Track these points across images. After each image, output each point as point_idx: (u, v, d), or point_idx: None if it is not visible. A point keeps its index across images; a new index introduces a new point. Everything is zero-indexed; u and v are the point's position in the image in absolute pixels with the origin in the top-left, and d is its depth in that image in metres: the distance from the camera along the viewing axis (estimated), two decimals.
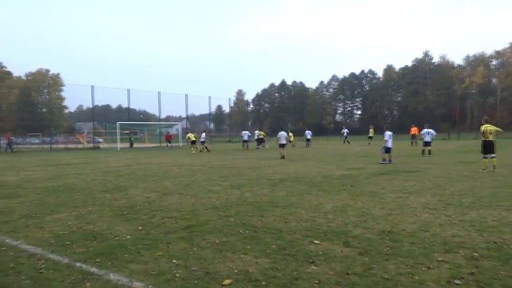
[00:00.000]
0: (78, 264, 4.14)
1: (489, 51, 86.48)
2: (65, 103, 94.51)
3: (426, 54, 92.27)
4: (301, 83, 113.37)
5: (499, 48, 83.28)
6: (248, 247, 4.59)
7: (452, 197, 7.67)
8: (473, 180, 10.00)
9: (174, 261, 4.17)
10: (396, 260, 4.06)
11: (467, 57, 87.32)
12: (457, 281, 3.48)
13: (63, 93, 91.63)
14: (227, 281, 3.57)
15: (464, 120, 78.34)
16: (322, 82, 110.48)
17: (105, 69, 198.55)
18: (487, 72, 79.07)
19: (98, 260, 4.24)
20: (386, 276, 3.61)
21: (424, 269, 3.80)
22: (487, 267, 3.82)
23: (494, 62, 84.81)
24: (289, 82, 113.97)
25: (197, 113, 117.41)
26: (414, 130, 31.24)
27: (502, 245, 4.51)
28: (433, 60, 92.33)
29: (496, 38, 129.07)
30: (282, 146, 19.81)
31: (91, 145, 43.82)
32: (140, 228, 5.63)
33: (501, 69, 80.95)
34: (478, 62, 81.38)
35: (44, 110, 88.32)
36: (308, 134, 34.67)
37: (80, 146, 45.03)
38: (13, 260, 4.30)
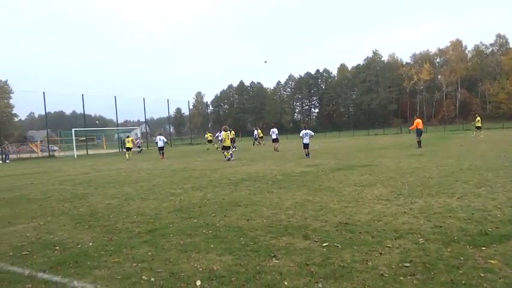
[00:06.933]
0: (40, 274, 4.10)
1: (433, 49, 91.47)
2: (15, 111, 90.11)
3: (376, 53, 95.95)
4: (259, 83, 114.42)
5: (442, 46, 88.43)
6: (212, 246, 4.72)
7: (404, 187, 8.17)
8: (423, 170, 10.64)
9: (139, 264, 4.22)
10: (352, 248, 4.34)
11: (414, 55, 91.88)
12: (406, 264, 3.79)
13: (12, 101, 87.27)
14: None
15: (414, 115, 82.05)
16: (279, 82, 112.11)
17: (56, 74, 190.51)
18: (432, 69, 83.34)
19: (60, 269, 4.22)
20: (342, 264, 3.86)
21: (377, 255, 4.10)
22: (432, 249, 4.18)
23: (438, 60, 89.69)
24: (247, 83, 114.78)
25: (156, 116, 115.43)
26: None
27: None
28: (383, 59, 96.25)
29: (439, 36, 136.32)
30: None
31: (46, 154, 41.98)
32: (102, 234, 5.60)
33: (445, 66, 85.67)
34: (424, 59, 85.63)
35: None
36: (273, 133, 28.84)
37: (34, 155, 43.04)
38: None
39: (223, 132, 19.94)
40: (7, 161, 33.38)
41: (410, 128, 21.93)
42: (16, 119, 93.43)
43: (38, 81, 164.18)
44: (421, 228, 5.00)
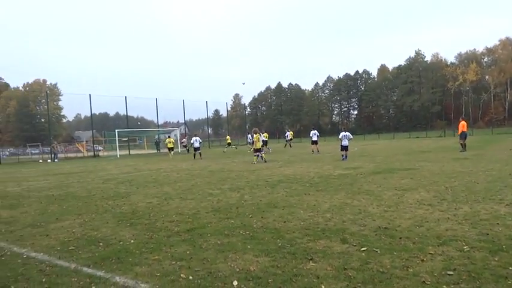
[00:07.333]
0: (84, 268, 4.29)
1: (480, 48, 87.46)
2: (63, 112, 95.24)
3: (418, 53, 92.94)
4: (297, 85, 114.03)
5: (490, 45, 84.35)
6: (249, 247, 4.75)
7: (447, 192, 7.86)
8: (468, 175, 10.19)
9: (178, 262, 4.32)
10: (392, 254, 4.23)
11: (460, 54, 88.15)
12: (450, 272, 3.64)
13: (60, 103, 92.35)
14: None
15: (460, 116, 78.76)
16: (317, 84, 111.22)
17: (101, 77, 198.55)
18: (479, 69, 79.77)
19: (103, 264, 4.39)
20: (381, 270, 3.77)
21: (418, 261, 3.97)
22: (478, 258, 3.99)
23: (486, 59, 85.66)
24: (285, 84, 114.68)
25: (195, 118, 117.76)
26: None
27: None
28: (426, 59, 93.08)
29: (486, 34, 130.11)
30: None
31: (91, 153, 43.91)
32: (143, 232, 5.78)
33: (493, 66, 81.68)
34: (470, 59, 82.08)
35: (42, 120, 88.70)
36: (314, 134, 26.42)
37: (79, 154, 45.10)
38: (22, 267, 4.44)
39: (254, 135, 19.94)
40: (56, 160, 35.08)
41: (458, 134, 20.64)
42: (64, 120, 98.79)
43: (85, 84, 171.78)
44: (466, 235, 4.79)
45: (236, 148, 33.19)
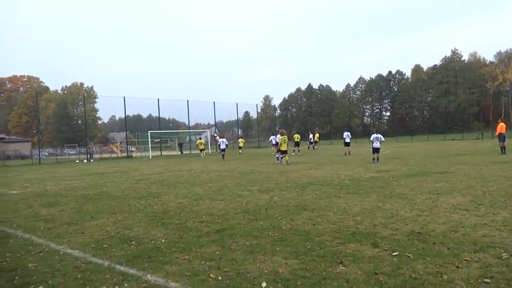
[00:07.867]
0: (117, 266, 4.41)
1: None
2: (99, 114, 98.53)
3: (455, 52, 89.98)
4: (327, 86, 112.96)
5: None
6: (278, 249, 4.73)
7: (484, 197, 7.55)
8: (508, 179, 9.76)
9: (207, 262, 4.36)
10: (425, 259, 4.11)
11: (499, 53, 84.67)
12: (486, 280, 3.50)
13: (96, 105, 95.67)
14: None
15: (499, 118, 75.50)
16: (348, 85, 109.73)
17: (135, 78, 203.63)
18: None
19: (135, 262, 4.50)
20: (414, 276, 3.66)
21: (453, 268, 3.83)
22: None
23: None
24: (315, 86, 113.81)
25: (225, 119, 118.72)
26: None
27: None
28: (463, 58, 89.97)
29: None
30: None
31: (124, 154, 45.19)
32: (174, 232, 5.88)
33: None
34: (511, 58, 78.69)
35: (79, 121, 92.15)
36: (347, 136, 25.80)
37: (114, 155, 46.49)
38: (59, 263, 4.62)
39: (279, 136, 19.81)
40: (91, 160, 36.32)
41: (496, 135, 19.93)
42: (99, 122, 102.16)
43: (119, 86, 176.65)
44: (505, 242, 4.59)
45: (241, 153, 33.50)
